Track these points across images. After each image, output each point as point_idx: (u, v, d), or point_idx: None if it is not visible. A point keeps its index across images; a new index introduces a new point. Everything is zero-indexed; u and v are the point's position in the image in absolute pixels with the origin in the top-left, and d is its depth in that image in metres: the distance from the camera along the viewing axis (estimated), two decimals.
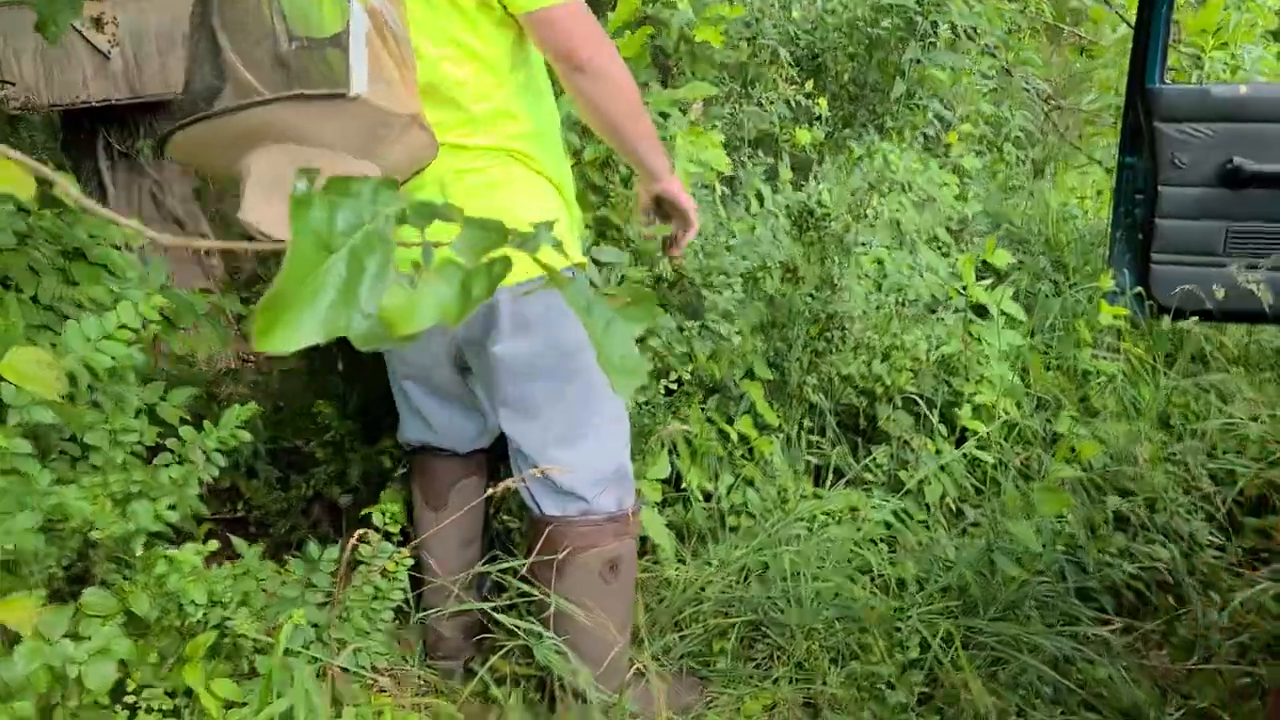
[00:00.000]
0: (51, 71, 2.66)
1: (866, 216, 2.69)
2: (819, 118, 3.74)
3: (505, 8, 1.57)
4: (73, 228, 2.24)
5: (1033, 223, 4.13)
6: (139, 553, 1.68)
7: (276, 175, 1.35)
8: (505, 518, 2.37)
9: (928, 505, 2.48)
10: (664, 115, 2.44)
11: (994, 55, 4.06)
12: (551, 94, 1.80)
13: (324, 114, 1.34)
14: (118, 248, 3.14)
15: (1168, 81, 3.21)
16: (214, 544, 1.70)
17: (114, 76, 2.64)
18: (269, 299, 0.53)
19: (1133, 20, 4.16)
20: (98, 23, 2.67)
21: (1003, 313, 2.78)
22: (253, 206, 1.33)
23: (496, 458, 2.17)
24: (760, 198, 2.82)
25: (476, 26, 1.58)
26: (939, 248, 3.09)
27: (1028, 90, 4.28)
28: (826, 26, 3.94)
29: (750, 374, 2.66)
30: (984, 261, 3.03)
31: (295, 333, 0.53)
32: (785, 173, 3.29)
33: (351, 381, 2.67)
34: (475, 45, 1.60)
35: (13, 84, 2.67)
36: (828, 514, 2.36)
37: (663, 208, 1.94)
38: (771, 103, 3.60)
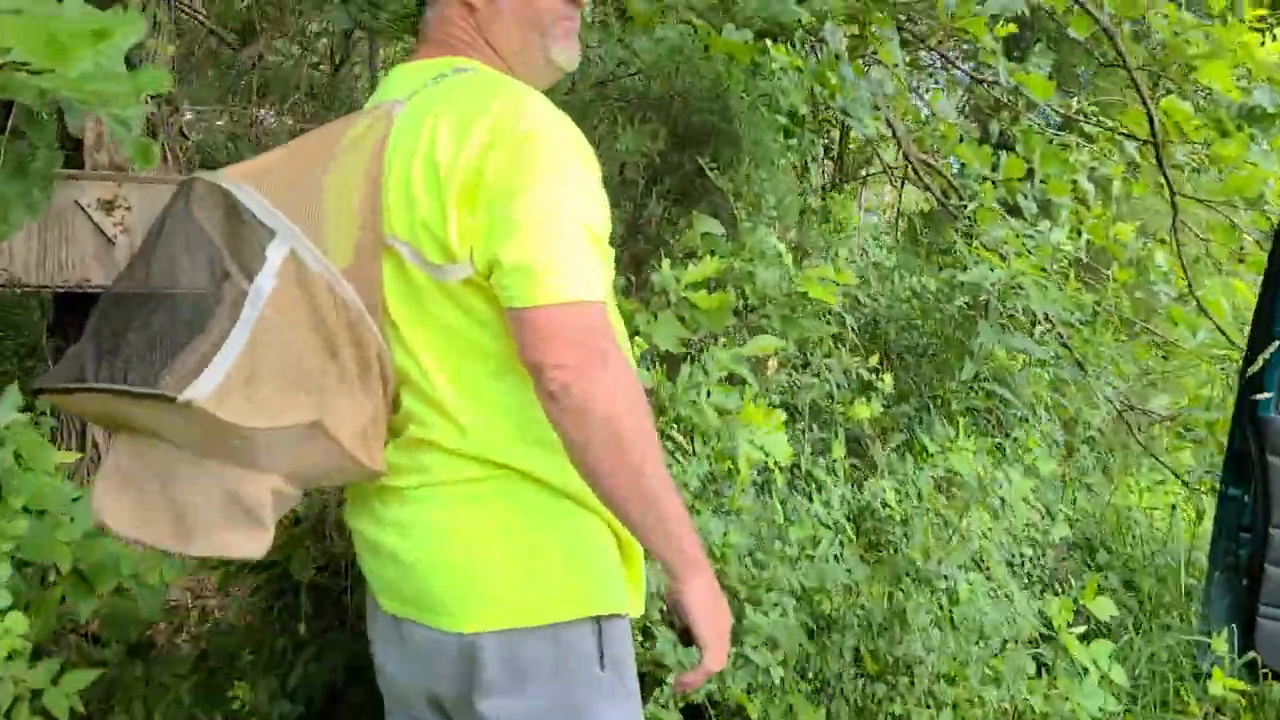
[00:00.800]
0: (46, 250, 2.36)
1: (949, 539, 2.28)
2: (874, 388, 3.42)
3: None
4: (1, 445, 1.85)
5: (1104, 538, 3.69)
6: None
7: (128, 469, 1.12)
8: None
9: None
10: (730, 379, 2.09)
11: (1068, 347, 3.76)
12: None
13: (166, 413, 1.06)
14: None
15: None
16: None
17: (117, 264, 2.35)
18: None
19: (1221, 321, 3.90)
20: (109, 205, 2.38)
21: (1098, 669, 2.30)
22: (101, 498, 1.11)
23: None
24: (821, 489, 2.42)
25: (461, 305, 1.21)
26: (1013, 571, 2.65)
27: (1103, 387, 3.95)
28: (893, 296, 3.68)
29: (789, 711, 2.16)
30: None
31: None
32: (838, 449, 2.92)
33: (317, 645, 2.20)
34: (461, 328, 1.22)
35: None
36: None
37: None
38: (830, 370, 3.28)
